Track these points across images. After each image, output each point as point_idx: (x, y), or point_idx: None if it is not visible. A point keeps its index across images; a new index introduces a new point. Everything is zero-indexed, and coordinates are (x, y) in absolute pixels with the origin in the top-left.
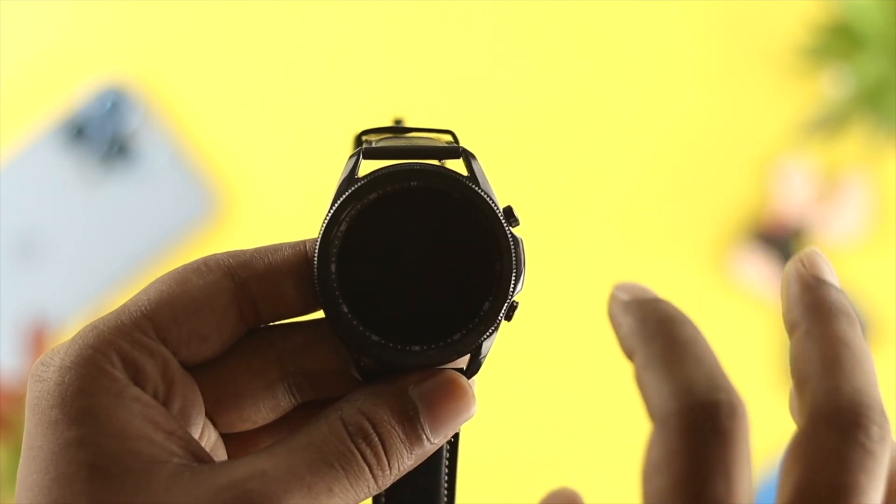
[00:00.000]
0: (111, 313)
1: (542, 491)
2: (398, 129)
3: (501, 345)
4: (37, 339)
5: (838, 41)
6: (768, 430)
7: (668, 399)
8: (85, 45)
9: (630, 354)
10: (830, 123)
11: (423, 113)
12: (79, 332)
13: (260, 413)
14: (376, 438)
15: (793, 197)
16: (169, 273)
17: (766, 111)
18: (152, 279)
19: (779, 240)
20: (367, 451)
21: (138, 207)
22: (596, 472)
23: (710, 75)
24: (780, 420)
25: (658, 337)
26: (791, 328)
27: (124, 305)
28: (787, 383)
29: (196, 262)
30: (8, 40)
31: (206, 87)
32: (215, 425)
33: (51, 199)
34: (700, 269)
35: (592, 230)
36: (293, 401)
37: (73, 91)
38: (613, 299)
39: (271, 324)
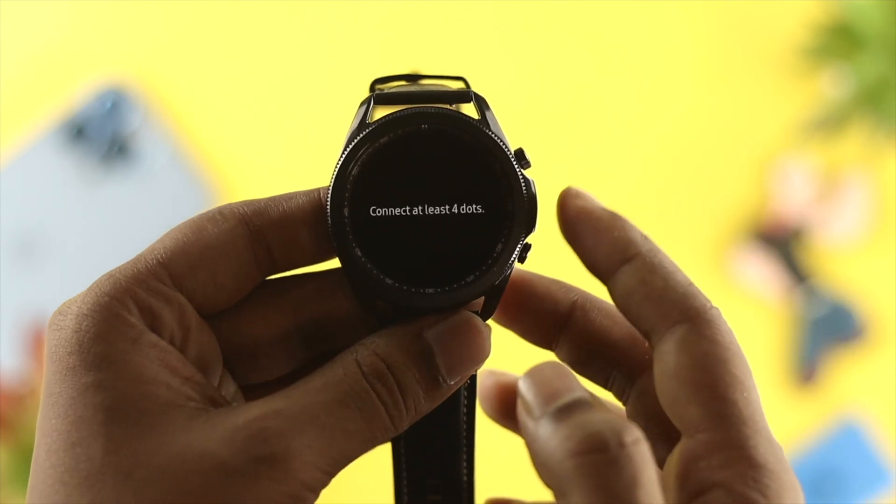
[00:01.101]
0: (128, 262)
1: None
2: (410, 77)
3: (497, 346)
4: (37, 339)
5: (838, 41)
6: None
7: (701, 297)
8: (85, 45)
9: (623, 257)
10: (830, 123)
11: None
12: (95, 282)
13: (276, 363)
14: (392, 379)
15: (793, 197)
16: (185, 222)
17: (766, 111)
18: None
19: (779, 240)
20: (383, 391)
21: (138, 207)
22: None
23: (710, 75)
24: (780, 419)
25: (658, 249)
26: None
27: (140, 254)
28: (786, 382)
29: (211, 210)
30: (8, 40)
31: (206, 87)
32: (233, 376)
33: (51, 199)
34: (700, 269)
35: None
36: (309, 352)
37: (73, 91)
38: (588, 204)
39: (286, 273)
